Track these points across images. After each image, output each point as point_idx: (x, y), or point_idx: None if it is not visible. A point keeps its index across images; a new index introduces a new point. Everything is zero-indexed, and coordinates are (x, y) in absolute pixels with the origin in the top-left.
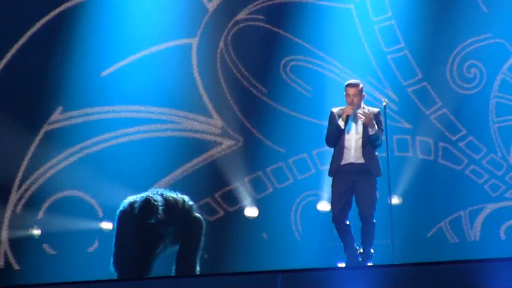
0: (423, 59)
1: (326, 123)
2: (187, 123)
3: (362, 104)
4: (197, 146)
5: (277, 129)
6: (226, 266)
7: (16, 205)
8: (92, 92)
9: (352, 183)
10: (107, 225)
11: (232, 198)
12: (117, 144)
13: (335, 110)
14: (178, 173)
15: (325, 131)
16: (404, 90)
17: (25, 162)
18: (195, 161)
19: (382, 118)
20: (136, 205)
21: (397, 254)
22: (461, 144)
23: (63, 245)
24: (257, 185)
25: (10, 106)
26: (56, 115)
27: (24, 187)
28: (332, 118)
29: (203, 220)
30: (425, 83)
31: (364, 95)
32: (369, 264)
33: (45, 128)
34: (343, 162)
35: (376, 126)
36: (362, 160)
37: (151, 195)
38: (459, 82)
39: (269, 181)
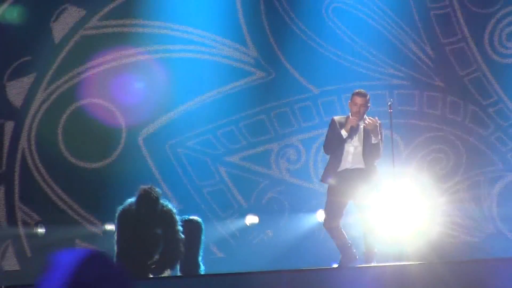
0: (466, 20)
1: (360, 69)
2: (223, 49)
3: (364, 115)
4: (228, 73)
5: (311, 67)
6: (230, 265)
7: (39, 107)
8: (135, 4)
9: (349, 190)
10: (110, 226)
11: (255, 130)
12: (150, 59)
13: (336, 118)
14: (206, 97)
15: (322, 138)
16: (441, 47)
17: (55, 64)
18: (224, 88)
19: (383, 131)
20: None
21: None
22: (491, 110)
23: (80, 153)
24: (282, 120)
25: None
26: (94, 21)
27: (49, 90)
28: (333, 126)
29: (201, 221)
30: (463, 44)
31: (369, 106)
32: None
33: (81, 32)
34: (340, 169)
35: (379, 136)
36: (359, 166)
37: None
38: (497, 48)
39: (295, 118)
